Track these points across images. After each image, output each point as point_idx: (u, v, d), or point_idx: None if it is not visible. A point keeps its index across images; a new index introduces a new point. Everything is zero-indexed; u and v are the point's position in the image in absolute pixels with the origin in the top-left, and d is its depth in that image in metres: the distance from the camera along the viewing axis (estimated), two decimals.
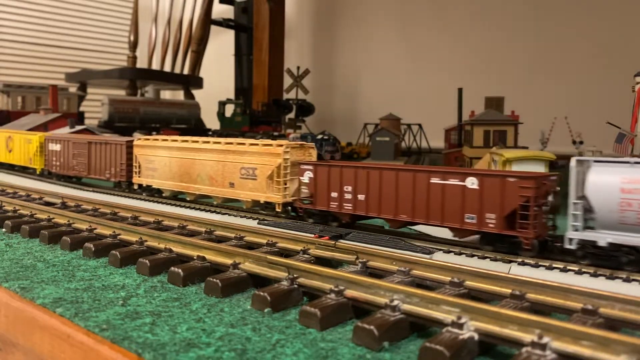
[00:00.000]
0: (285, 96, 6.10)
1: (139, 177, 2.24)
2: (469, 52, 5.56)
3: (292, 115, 5.81)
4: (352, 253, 1.28)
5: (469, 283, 1.06)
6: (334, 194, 1.59)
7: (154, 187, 2.21)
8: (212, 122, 5.64)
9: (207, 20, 6.29)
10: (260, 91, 6.19)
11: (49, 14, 7.02)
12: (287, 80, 6.01)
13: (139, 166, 2.24)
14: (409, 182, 1.43)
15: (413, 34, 6.05)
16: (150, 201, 2.16)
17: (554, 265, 1.20)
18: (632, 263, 1.15)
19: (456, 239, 1.46)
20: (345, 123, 6.35)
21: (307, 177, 1.66)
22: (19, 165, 3.19)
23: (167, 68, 6.36)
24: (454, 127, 3.98)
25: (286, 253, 1.33)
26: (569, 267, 1.18)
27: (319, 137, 3.98)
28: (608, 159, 1.21)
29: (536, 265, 1.21)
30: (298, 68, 5.88)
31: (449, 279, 1.08)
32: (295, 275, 1.08)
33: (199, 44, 6.25)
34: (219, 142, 1.93)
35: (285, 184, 1.71)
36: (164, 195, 2.20)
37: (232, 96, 6.41)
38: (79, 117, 4.94)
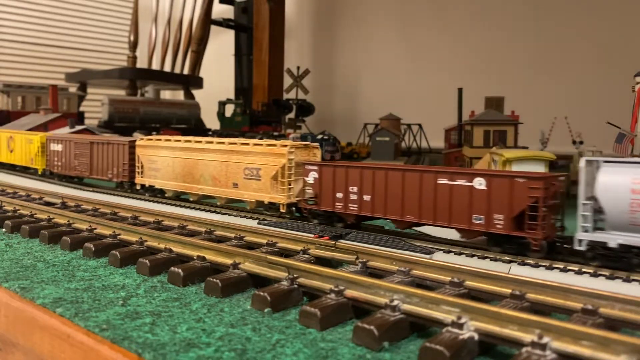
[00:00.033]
0: (285, 96, 6.10)
1: (141, 177, 2.24)
2: (469, 52, 5.56)
3: (292, 115, 5.80)
4: (352, 253, 1.28)
5: (469, 283, 1.06)
6: (339, 195, 1.58)
7: (156, 187, 2.20)
8: (212, 122, 5.64)
9: (207, 20, 6.29)
10: (260, 91, 6.19)
11: (49, 14, 7.01)
12: (287, 80, 6.01)
13: (142, 166, 2.23)
14: (415, 183, 1.42)
15: (413, 34, 6.05)
16: (150, 201, 2.16)
17: (554, 265, 1.20)
18: None
19: (455, 239, 1.46)
20: (345, 123, 6.35)
21: (311, 177, 1.65)
22: (20, 166, 3.18)
23: (167, 68, 6.36)
24: (454, 127, 3.98)
25: (286, 253, 1.33)
26: (569, 267, 1.18)
27: (319, 137, 3.98)
28: (618, 159, 1.20)
29: (536, 265, 1.21)
30: (298, 68, 5.88)
31: (449, 279, 1.08)
32: (295, 275, 1.08)
33: (199, 44, 6.25)
34: (222, 143, 1.92)
35: (290, 185, 1.70)
36: (166, 195, 2.19)
37: (232, 96, 6.40)
38: (79, 117, 4.93)
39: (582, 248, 1.19)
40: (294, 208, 1.76)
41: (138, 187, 2.28)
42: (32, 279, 1.19)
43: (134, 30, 6.34)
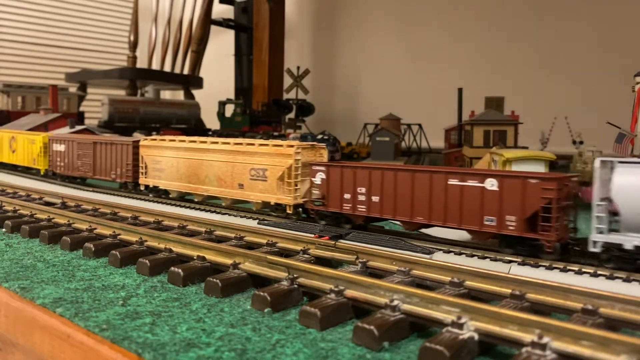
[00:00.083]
0: (285, 96, 6.10)
1: (145, 177, 2.22)
2: (469, 52, 5.56)
3: (292, 115, 5.81)
4: (352, 253, 1.28)
5: (469, 283, 1.06)
6: (347, 196, 1.56)
7: (160, 188, 2.18)
8: (212, 122, 5.64)
9: (207, 20, 6.29)
10: (260, 91, 6.19)
11: (49, 14, 7.02)
12: (287, 80, 6.01)
13: (146, 167, 2.21)
14: (425, 184, 1.40)
15: (413, 34, 6.05)
16: (150, 201, 2.16)
17: (554, 265, 1.20)
18: None
19: (455, 239, 1.46)
20: (345, 123, 6.35)
21: (319, 178, 1.63)
22: (22, 166, 3.16)
23: (167, 68, 6.36)
24: (454, 127, 3.98)
25: (286, 253, 1.33)
26: (569, 267, 1.18)
27: (319, 137, 3.98)
28: (634, 159, 1.18)
29: (536, 265, 1.21)
30: (298, 68, 5.88)
31: (449, 279, 1.08)
32: (295, 275, 1.08)
33: (199, 44, 6.25)
34: (227, 143, 1.90)
35: (296, 185, 1.69)
36: (170, 196, 2.17)
37: (232, 96, 6.41)
38: (79, 117, 4.93)
39: (597, 250, 1.17)
40: (300, 209, 1.74)
41: (142, 188, 2.26)
42: (32, 279, 1.19)
43: (134, 30, 6.34)
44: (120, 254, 1.32)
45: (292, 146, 1.71)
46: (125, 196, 2.29)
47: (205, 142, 1.99)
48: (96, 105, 5.80)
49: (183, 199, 2.16)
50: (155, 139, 2.21)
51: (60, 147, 2.75)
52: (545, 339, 0.74)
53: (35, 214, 1.83)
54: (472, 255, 1.29)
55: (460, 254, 1.31)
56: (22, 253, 1.44)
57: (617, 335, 0.72)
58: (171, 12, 6.39)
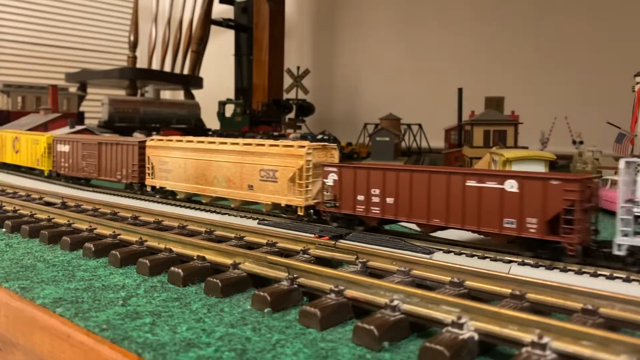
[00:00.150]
0: (285, 96, 6.10)
1: (152, 178, 2.20)
2: (469, 52, 5.56)
3: (292, 115, 5.81)
4: (352, 253, 1.28)
5: (469, 283, 1.06)
6: (361, 197, 1.53)
7: (167, 189, 2.16)
8: (212, 122, 5.64)
9: (207, 20, 6.29)
10: (260, 91, 6.19)
11: (49, 14, 7.02)
12: (287, 80, 6.01)
13: (152, 167, 2.19)
14: (442, 185, 1.37)
15: (413, 34, 6.05)
16: (150, 201, 2.16)
17: (554, 265, 1.20)
18: None
19: (455, 239, 1.46)
20: (345, 123, 6.35)
21: (331, 179, 1.60)
22: (26, 167, 3.13)
23: (167, 68, 6.37)
24: (454, 127, 3.98)
25: (286, 253, 1.33)
26: (569, 267, 1.18)
27: (319, 137, 3.98)
28: None
29: (536, 265, 1.21)
30: (298, 68, 5.88)
31: (449, 279, 1.08)
32: (295, 275, 1.08)
33: (199, 44, 6.25)
34: (237, 143, 1.88)
35: (308, 187, 1.66)
36: (178, 197, 2.15)
37: (232, 96, 6.41)
38: (79, 117, 4.94)
39: (622, 253, 1.15)
40: (312, 211, 1.71)
41: (148, 189, 2.23)
42: (32, 279, 1.19)
43: (134, 30, 6.34)
44: (120, 254, 1.32)
45: (303, 147, 1.68)
46: (124, 196, 2.29)
47: (213, 142, 1.96)
48: (96, 105, 5.80)
49: (186, 199, 2.14)
50: (161, 139, 2.18)
51: (65, 148, 2.73)
52: (545, 339, 0.74)
53: (35, 214, 1.83)
54: (472, 255, 1.29)
55: (460, 254, 1.31)
56: (22, 253, 1.44)
57: (617, 335, 0.72)
58: (171, 12, 6.40)
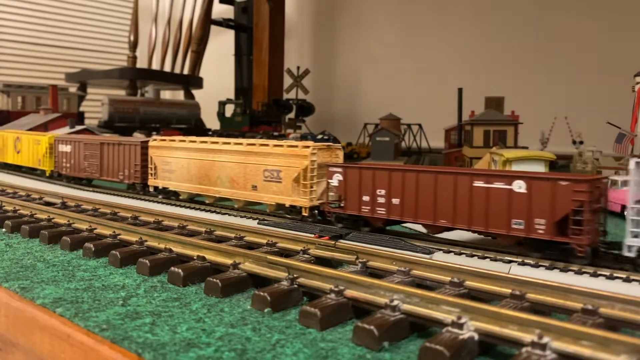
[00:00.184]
0: (285, 96, 6.11)
1: (154, 179, 2.19)
2: (469, 52, 5.56)
3: (292, 115, 5.81)
4: (352, 253, 1.28)
5: (469, 283, 1.06)
6: (366, 198, 1.52)
7: (170, 189, 2.15)
8: (212, 122, 5.64)
9: (207, 20, 6.29)
10: (260, 91, 6.19)
11: (49, 14, 7.02)
12: (287, 80, 6.01)
13: (155, 168, 2.18)
14: (449, 186, 1.36)
15: (413, 34, 6.05)
16: (150, 201, 2.15)
17: (554, 265, 1.20)
18: None
19: (455, 239, 1.46)
20: (345, 123, 6.35)
21: (336, 180, 1.59)
22: (27, 167, 3.12)
23: (167, 68, 6.37)
24: (454, 127, 3.98)
25: (286, 253, 1.33)
26: (569, 267, 1.18)
27: (319, 137, 3.98)
28: None
29: (536, 265, 1.21)
30: (298, 68, 5.89)
31: (449, 279, 1.08)
32: (295, 275, 1.08)
33: (199, 44, 6.25)
34: (240, 144, 1.87)
35: (312, 187, 1.65)
36: (180, 197, 2.14)
37: (232, 96, 6.41)
38: (79, 117, 4.94)
39: (632, 254, 1.14)
40: (316, 211, 1.70)
41: (151, 189, 2.22)
42: (32, 279, 1.19)
43: (134, 30, 6.34)
44: (120, 254, 1.32)
45: (307, 147, 1.67)
46: (125, 196, 2.29)
47: (217, 142, 1.95)
48: (96, 105, 5.80)
49: (188, 199, 2.14)
50: (164, 139, 2.17)
51: (66, 148, 2.72)
52: (545, 339, 0.74)
53: (35, 214, 1.83)
54: (472, 255, 1.29)
55: (460, 254, 1.31)
56: (22, 253, 1.44)
57: (617, 335, 0.72)
58: (171, 12, 6.40)
